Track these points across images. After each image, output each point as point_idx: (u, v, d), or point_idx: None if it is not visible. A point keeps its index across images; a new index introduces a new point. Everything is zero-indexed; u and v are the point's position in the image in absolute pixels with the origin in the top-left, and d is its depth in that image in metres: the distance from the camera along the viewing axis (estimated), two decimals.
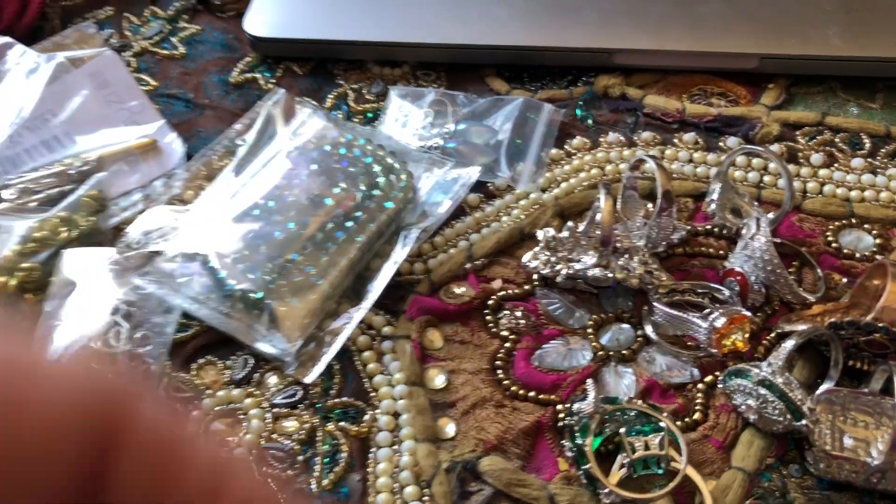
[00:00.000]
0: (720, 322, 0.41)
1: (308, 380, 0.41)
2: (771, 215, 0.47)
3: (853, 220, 0.49)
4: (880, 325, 0.40)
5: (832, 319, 0.41)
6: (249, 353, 0.43)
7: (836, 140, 0.53)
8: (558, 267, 0.45)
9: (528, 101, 0.54)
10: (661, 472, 0.38)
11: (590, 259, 0.44)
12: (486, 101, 0.54)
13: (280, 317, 0.42)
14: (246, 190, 0.46)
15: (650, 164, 0.47)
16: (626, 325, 0.44)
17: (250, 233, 0.44)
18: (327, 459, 0.39)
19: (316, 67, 0.59)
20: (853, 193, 0.50)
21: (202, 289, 0.43)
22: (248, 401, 0.41)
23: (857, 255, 0.47)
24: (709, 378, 0.42)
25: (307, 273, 0.43)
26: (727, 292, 0.44)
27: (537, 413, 0.41)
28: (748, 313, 0.42)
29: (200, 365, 0.43)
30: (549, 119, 0.53)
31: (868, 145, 0.52)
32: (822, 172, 0.51)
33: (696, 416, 0.41)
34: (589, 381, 0.40)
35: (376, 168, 0.47)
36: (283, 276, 0.43)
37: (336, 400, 0.41)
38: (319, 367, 0.42)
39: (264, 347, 0.42)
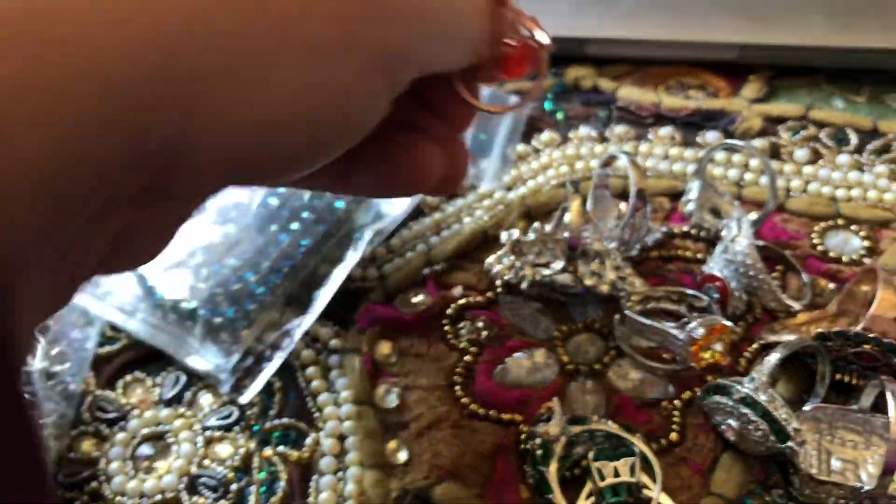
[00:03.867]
0: (698, 333, 0.37)
1: (244, 400, 0.37)
2: (753, 216, 0.44)
3: (839, 221, 0.45)
4: (870, 335, 0.37)
5: (819, 329, 0.38)
6: (181, 369, 0.39)
7: (821, 135, 0.49)
8: (523, 272, 0.41)
9: (493, 94, 0.50)
10: (632, 500, 0.35)
11: (557, 264, 0.41)
12: None
13: (215, 328, 0.38)
14: None
15: (622, 161, 0.43)
16: (596, 336, 0.41)
17: (184, 236, 0.40)
18: (264, 488, 0.35)
19: None
20: (839, 192, 0.47)
21: (131, 298, 0.39)
22: (178, 422, 0.37)
23: (845, 258, 0.44)
24: (686, 394, 0.38)
25: (246, 280, 0.39)
26: (706, 300, 0.40)
27: (498, 434, 0.37)
28: (729, 323, 0.38)
29: (127, 382, 0.39)
30: (513, 121, 0.50)
31: (854, 141, 0.49)
32: (807, 170, 0.48)
33: (673, 436, 0.37)
34: (554, 399, 0.37)
35: None
36: (220, 283, 0.39)
37: (276, 422, 0.38)
38: (257, 386, 0.38)
39: (196, 363, 0.38)
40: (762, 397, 0.35)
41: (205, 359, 0.38)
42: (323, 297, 0.40)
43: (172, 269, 0.39)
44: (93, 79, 0.16)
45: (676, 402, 0.38)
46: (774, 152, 0.49)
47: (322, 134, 0.22)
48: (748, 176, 0.47)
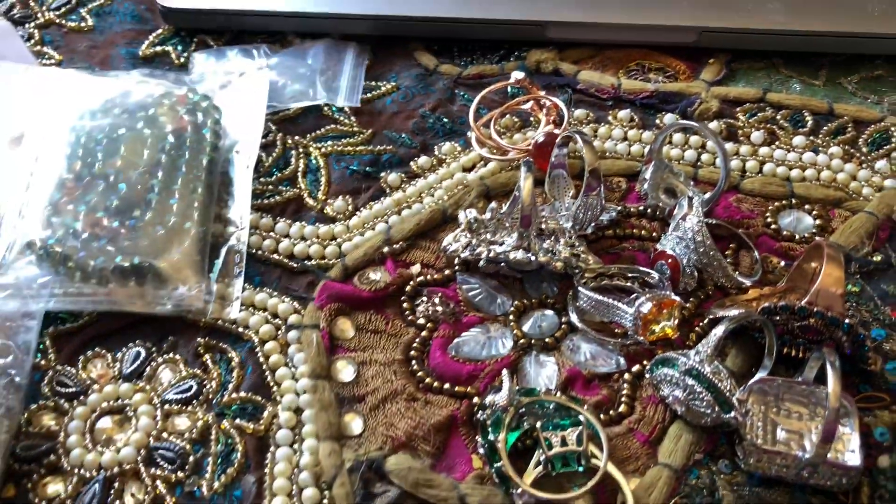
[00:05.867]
0: (646, 307, 0.38)
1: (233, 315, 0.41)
2: (706, 195, 0.45)
3: (793, 201, 0.46)
4: (815, 309, 0.37)
5: (766, 304, 0.39)
6: (142, 344, 0.40)
7: (778, 117, 0.50)
8: (479, 250, 0.42)
9: (330, 44, 0.54)
10: (581, 469, 0.35)
11: (511, 240, 0.41)
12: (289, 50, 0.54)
13: (168, 272, 0.40)
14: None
15: (578, 142, 0.44)
16: (549, 312, 0.41)
17: (85, 206, 0.42)
18: (220, 460, 0.36)
19: (233, 40, 0.55)
20: (793, 173, 0.47)
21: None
22: (138, 396, 0.38)
23: (797, 236, 0.44)
24: (636, 368, 0.39)
25: (168, 223, 0.42)
26: (657, 276, 0.41)
27: (452, 406, 0.38)
28: (677, 298, 0.39)
29: (88, 357, 0.39)
30: (356, 52, 0.54)
31: (810, 123, 0.50)
32: (763, 151, 0.49)
33: (622, 408, 0.38)
34: (504, 371, 0.37)
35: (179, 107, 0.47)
36: (143, 236, 0.41)
37: (234, 395, 0.38)
38: (238, 286, 0.42)
39: (169, 307, 0.40)
40: (707, 369, 0.36)
41: (174, 302, 0.41)
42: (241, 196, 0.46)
43: (92, 240, 0.41)
44: None
45: (626, 375, 0.39)
46: (731, 134, 0.49)
47: None
48: (705, 157, 0.48)
